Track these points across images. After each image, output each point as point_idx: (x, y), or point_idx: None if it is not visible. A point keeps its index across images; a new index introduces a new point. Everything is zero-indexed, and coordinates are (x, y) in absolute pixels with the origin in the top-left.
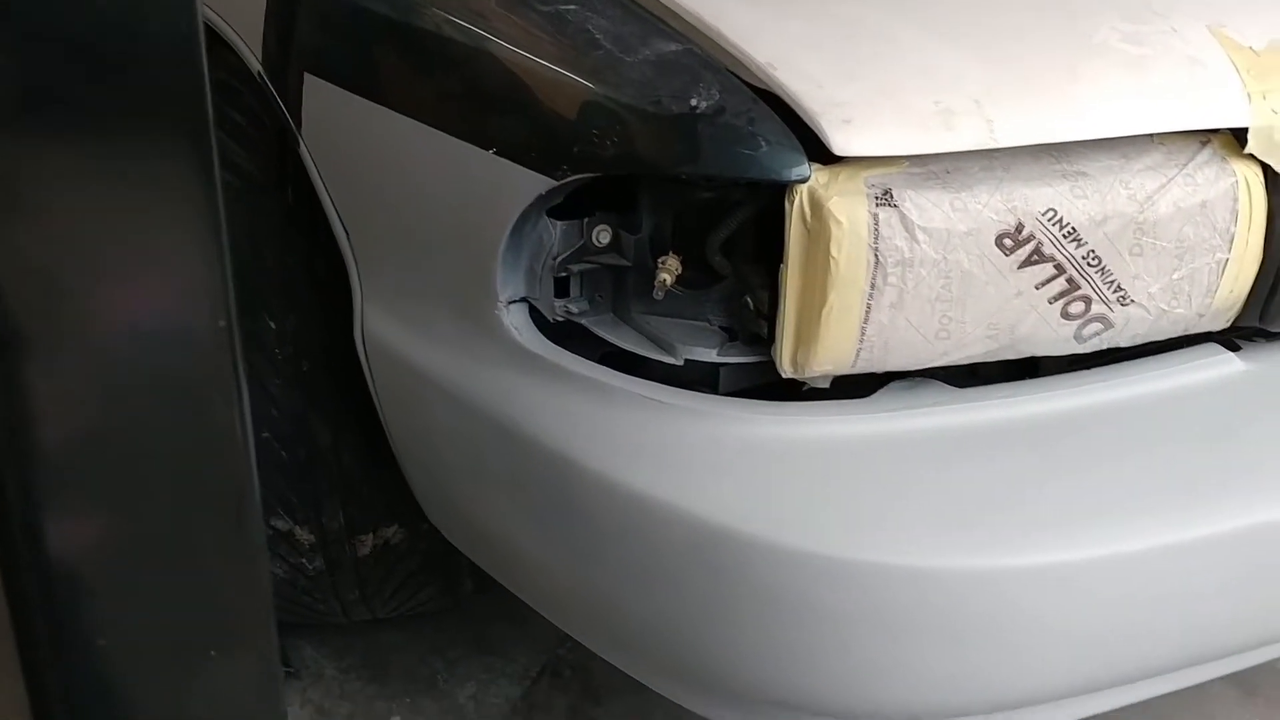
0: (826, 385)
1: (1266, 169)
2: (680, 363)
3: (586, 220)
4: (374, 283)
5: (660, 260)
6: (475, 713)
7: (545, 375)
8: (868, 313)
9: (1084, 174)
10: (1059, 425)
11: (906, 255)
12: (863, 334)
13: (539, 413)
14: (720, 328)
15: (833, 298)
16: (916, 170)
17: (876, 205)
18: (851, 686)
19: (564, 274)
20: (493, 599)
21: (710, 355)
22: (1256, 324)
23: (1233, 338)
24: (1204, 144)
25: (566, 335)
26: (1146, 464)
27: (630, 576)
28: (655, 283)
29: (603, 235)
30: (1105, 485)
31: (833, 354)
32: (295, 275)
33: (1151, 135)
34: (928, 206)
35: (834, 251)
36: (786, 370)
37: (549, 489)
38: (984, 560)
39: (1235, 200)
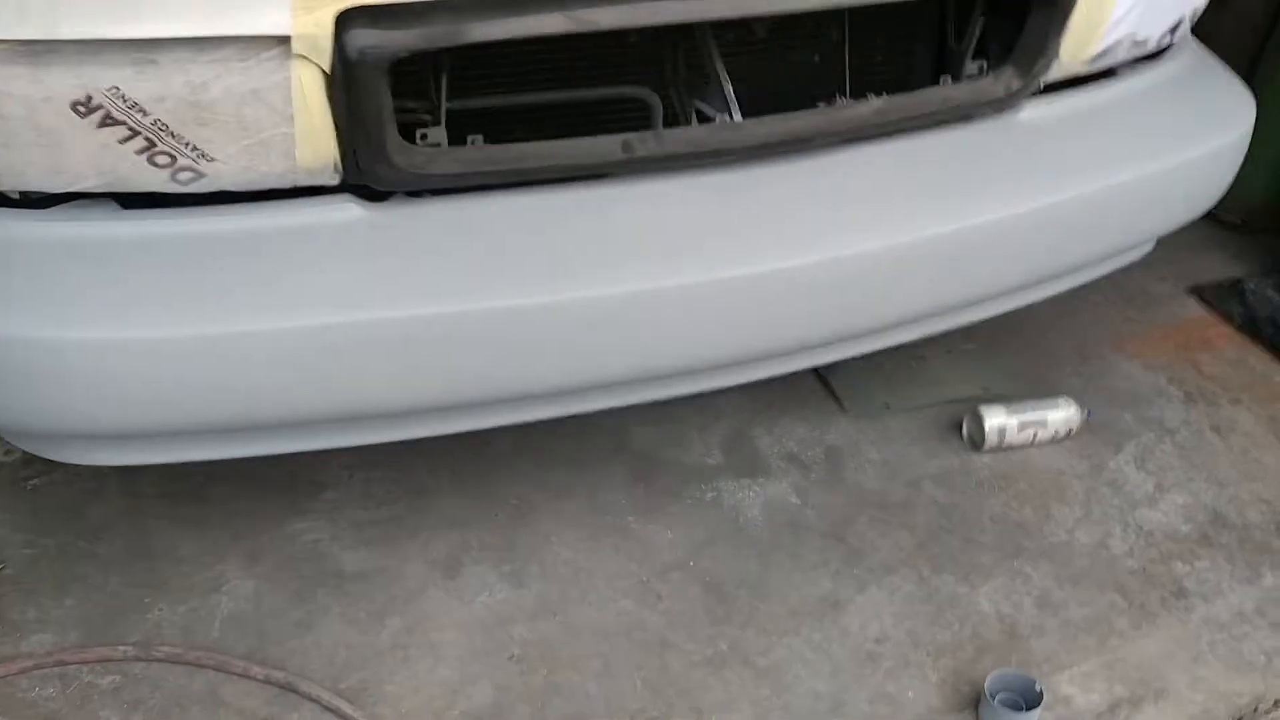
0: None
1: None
2: None
3: None
4: None
5: None
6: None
7: None
8: None
9: (154, 61)
10: (182, 242)
11: (2, 111)
12: None
13: None
14: None
15: None
16: (21, 49)
17: None
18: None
19: None
20: None
21: None
22: (360, 181)
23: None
24: (277, 45)
25: None
26: (257, 276)
27: None
28: None
29: None
30: (224, 288)
31: None
32: None
33: (235, 36)
34: (11, 77)
35: None
36: None
37: None
38: (85, 333)
39: (289, 89)
